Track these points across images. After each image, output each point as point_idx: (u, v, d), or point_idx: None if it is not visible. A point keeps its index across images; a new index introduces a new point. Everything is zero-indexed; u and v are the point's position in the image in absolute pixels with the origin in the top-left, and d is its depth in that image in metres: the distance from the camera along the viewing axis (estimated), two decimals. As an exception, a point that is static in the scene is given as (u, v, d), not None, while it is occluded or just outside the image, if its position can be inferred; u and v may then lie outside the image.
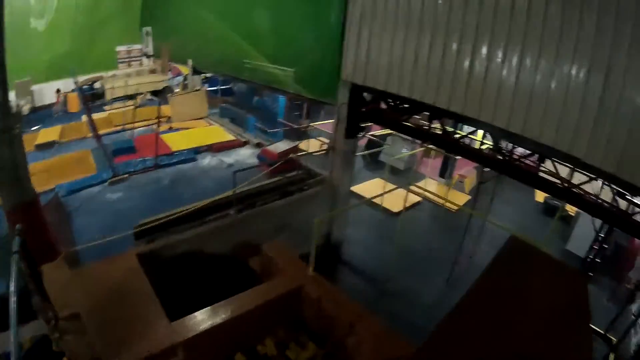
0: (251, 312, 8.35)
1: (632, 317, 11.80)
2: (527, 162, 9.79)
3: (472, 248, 12.53)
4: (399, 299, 11.47)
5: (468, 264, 12.20)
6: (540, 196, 17.75)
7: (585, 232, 14.06)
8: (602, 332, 11.59)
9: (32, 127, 22.86)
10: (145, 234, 10.20)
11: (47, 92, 27.83)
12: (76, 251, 10.34)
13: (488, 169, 12.04)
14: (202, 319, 8.04)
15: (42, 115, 25.85)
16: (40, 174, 15.60)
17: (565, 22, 7.81)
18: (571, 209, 15.62)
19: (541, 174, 9.57)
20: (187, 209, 10.64)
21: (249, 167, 13.39)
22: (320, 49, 12.59)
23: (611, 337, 11.49)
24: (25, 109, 26.30)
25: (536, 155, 9.38)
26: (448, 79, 9.26)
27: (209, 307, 8.19)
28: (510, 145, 9.92)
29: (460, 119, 9.66)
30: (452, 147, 10.61)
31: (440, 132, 10.57)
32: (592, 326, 11.98)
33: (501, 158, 9.68)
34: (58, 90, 26.40)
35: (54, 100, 27.47)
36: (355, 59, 10.98)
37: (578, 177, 9.36)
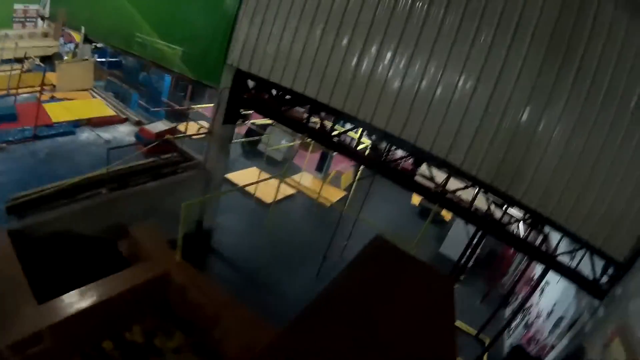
0: (117, 297, 8.29)
1: (505, 319, 12.33)
2: (404, 164, 9.96)
3: (343, 244, 12.63)
4: (268, 290, 11.63)
5: (339, 259, 12.30)
6: (416, 199, 18.29)
7: (458, 236, 14.58)
8: (474, 332, 12.04)
9: None
10: (17, 210, 9.87)
11: None
12: None
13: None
14: (69, 302, 7.92)
15: None
16: None
17: (460, 32, 8.07)
18: (447, 214, 16.21)
19: (417, 178, 9.72)
20: (60, 185, 10.40)
21: (124, 145, 12.97)
22: (210, 30, 12.72)
23: (483, 339, 11.95)
24: None
25: (412, 158, 9.53)
26: (333, 74, 9.72)
27: (75, 290, 8.08)
28: (389, 146, 10.03)
29: (340, 116, 9.67)
30: (330, 143, 10.63)
31: (318, 127, 10.53)
32: (467, 327, 12.53)
33: (377, 158, 9.76)
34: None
35: None
36: (243, 45, 11.27)
37: (455, 184, 9.60)
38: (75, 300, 7.89)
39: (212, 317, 8.46)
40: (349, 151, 10.52)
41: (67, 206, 10.03)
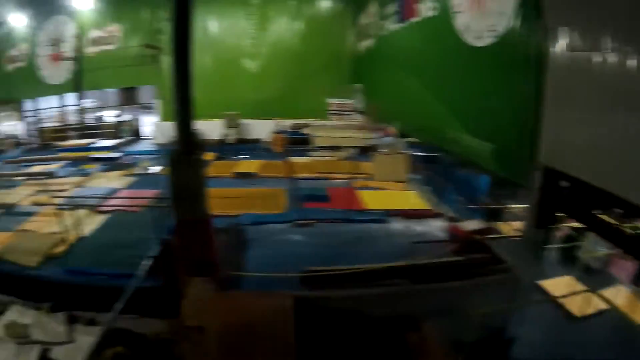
0: None
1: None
2: None
3: None
4: None
5: None
6: None
7: None
8: None
9: (236, 156, 25.30)
10: (310, 281, 10.41)
11: (254, 128, 30.97)
12: (237, 276, 10.81)
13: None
14: None
15: (247, 147, 28.53)
16: (231, 199, 16.77)
17: None
18: None
19: None
20: (359, 268, 10.68)
21: (431, 240, 13.04)
22: (516, 126, 12.09)
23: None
24: (231, 139, 29.46)
25: None
26: None
27: None
28: None
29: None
30: None
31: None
32: None
33: None
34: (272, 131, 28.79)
35: (259, 136, 30.44)
36: (551, 141, 10.31)
37: None
38: None
39: None
40: None
41: (362, 289, 10.18)
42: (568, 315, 13.35)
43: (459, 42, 15.40)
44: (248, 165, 23.14)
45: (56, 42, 34.55)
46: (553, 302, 13.15)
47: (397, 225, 15.51)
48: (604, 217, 9.94)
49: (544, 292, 13.81)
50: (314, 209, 16.16)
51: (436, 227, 15.34)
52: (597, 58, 8.93)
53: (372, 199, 17.44)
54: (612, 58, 8.57)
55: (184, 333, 7.97)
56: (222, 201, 15.90)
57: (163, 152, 28.03)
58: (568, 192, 10.54)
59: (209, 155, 23.47)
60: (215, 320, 8.19)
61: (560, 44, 10.06)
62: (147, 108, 39.50)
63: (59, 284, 12.00)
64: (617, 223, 9.57)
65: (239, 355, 7.91)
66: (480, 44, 14.20)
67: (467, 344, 8.83)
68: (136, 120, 37.22)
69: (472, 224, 13.68)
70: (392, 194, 18.41)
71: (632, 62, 8.08)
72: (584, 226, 17.58)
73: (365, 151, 24.17)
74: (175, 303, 8.83)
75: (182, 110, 8.47)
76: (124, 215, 16.53)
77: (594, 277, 15.54)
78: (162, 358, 8.70)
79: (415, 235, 14.25)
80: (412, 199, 18.01)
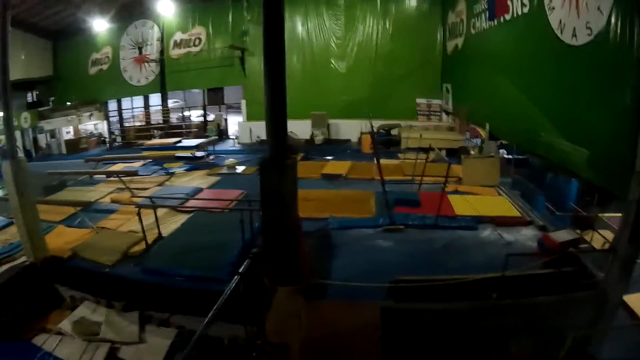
0: None
1: None
2: None
3: None
4: None
5: None
6: None
7: None
8: None
9: (323, 157, 25.21)
10: (399, 292, 10.25)
11: (342, 129, 31.06)
12: (323, 284, 10.80)
13: None
14: None
15: (336, 148, 28.88)
16: (318, 201, 16.83)
17: None
18: None
19: None
20: (450, 279, 10.44)
21: (524, 251, 12.53)
22: (615, 132, 11.48)
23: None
24: (319, 139, 29.61)
25: None
26: None
27: None
28: None
29: None
30: None
31: None
32: None
33: None
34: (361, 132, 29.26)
35: (348, 137, 31.48)
36: None
37: None
38: None
39: None
40: None
41: (451, 301, 9.94)
42: None
43: (554, 40, 14.73)
44: (336, 166, 23.24)
45: (141, 45, 36.82)
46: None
47: (487, 232, 15.28)
48: None
49: (630, 309, 12.92)
50: (403, 214, 16.16)
51: (527, 237, 15.02)
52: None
53: (462, 205, 17.28)
54: None
55: (267, 349, 7.93)
56: (308, 203, 16.12)
57: (248, 152, 28.64)
58: None
59: (297, 156, 23.68)
60: (300, 333, 8.14)
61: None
62: (232, 108, 40.51)
63: (134, 283, 12.40)
64: None
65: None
66: (576, 42, 13.38)
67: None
68: (221, 119, 38.23)
69: (563, 235, 13.27)
70: (483, 199, 18.13)
71: None
72: None
73: (455, 153, 23.62)
74: (258, 312, 8.84)
75: (275, 113, 8.28)
76: (206, 216, 16.69)
77: None
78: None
79: (506, 245, 14.00)
80: (502, 204, 17.72)
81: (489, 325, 9.91)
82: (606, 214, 17.36)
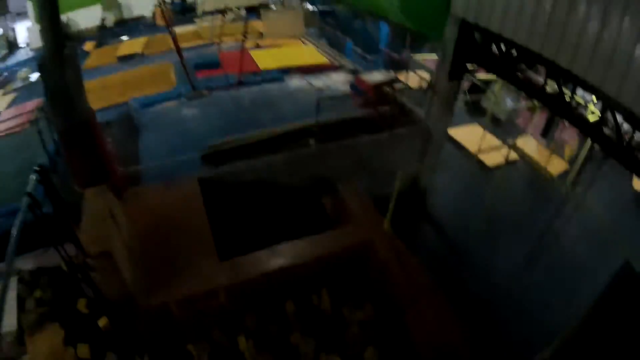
0: (311, 262, 7.59)
1: None
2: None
3: (562, 227, 11.21)
4: (473, 268, 10.45)
5: (552, 243, 11.02)
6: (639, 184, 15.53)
7: None
8: None
9: (118, 38, 23.12)
10: (213, 158, 9.59)
11: (136, 4, 28.37)
12: (137, 171, 9.94)
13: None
14: (255, 262, 7.32)
15: (131, 27, 26.21)
16: (117, 86, 15.32)
17: None
18: None
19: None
20: (261, 134, 9.92)
21: (336, 95, 12.42)
22: None
23: None
24: (110, 22, 26.86)
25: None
26: (572, 35, 7.62)
27: (264, 251, 7.47)
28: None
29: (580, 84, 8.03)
30: (560, 111, 9.05)
31: (553, 93, 9.01)
32: None
33: (618, 139, 8.05)
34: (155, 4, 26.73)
35: (141, 13, 27.97)
36: None
37: None
38: (264, 261, 7.25)
39: (407, 299, 7.44)
40: (589, 127, 8.83)
41: (270, 156, 9.30)
42: (480, 163, 13.67)
43: None
44: (131, 45, 21.19)
45: None
46: (466, 155, 13.40)
47: (296, 82, 14.77)
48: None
49: (454, 141, 13.96)
50: (205, 79, 15.13)
51: (338, 81, 14.70)
52: None
53: (267, 59, 16.51)
54: None
55: (90, 264, 6.89)
56: (107, 91, 14.49)
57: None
58: (483, 44, 10.14)
59: (88, 45, 21.38)
60: (119, 233, 7.27)
61: None
62: (22, 14, 34.78)
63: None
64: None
65: (156, 260, 7.16)
66: None
67: (390, 205, 8.35)
68: (8, 30, 32.73)
69: (377, 76, 13.09)
70: (287, 51, 17.56)
71: None
72: (492, 79, 17.94)
73: (256, 10, 22.90)
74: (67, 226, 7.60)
75: (44, 3, 7.04)
76: (5, 140, 13.74)
77: (502, 128, 16.02)
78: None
79: (317, 92, 13.46)
80: (309, 54, 17.23)
81: (313, 172, 9.47)
82: (418, 56, 18.25)
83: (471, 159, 13.45)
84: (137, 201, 8.33)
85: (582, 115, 8.60)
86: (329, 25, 19.53)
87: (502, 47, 9.27)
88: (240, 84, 14.47)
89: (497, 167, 11.66)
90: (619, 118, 7.36)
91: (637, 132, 7.14)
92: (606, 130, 7.85)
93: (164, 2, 18.24)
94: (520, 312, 8.76)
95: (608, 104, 7.28)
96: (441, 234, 11.12)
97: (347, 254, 7.98)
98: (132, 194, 8.51)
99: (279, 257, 7.43)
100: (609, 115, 7.44)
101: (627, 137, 7.42)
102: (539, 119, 16.58)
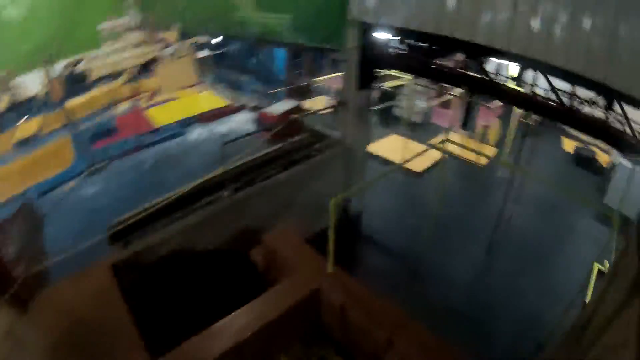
0: (257, 332, 6.44)
1: None
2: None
3: (510, 208, 10.53)
4: (433, 279, 9.68)
5: (507, 227, 10.37)
6: (569, 145, 15.74)
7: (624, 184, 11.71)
8: None
9: (11, 123, 22.01)
10: (122, 236, 8.35)
11: (32, 83, 26.95)
12: (44, 270, 8.61)
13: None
14: (192, 351, 6.15)
15: (29, 108, 25.10)
16: (13, 176, 14.10)
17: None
18: (605, 158, 13.84)
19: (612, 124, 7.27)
20: (170, 197, 8.57)
21: (242, 135, 11.42)
22: None
23: None
24: (1, 106, 25.47)
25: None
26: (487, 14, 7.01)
27: (200, 335, 6.34)
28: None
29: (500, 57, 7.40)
30: (496, 92, 8.37)
31: (478, 75, 8.33)
32: None
33: (557, 104, 7.45)
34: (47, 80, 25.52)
35: (34, 91, 26.84)
36: None
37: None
38: (204, 348, 6.18)
39: (381, 343, 6.40)
40: (523, 99, 8.17)
41: (183, 219, 8.31)
42: (407, 171, 13.08)
43: None
44: (26, 128, 19.93)
45: None
46: (384, 162, 12.81)
47: (198, 132, 14.27)
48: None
49: (377, 156, 13.30)
50: (102, 148, 14.15)
51: (242, 121, 14.29)
52: None
53: (164, 114, 15.86)
54: None
55: None
56: (2, 183, 13.32)
57: None
58: (387, 44, 9.41)
59: None
60: (31, 348, 6.02)
61: None
62: None
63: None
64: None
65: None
66: None
67: (329, 242, 7.24)
68: None
69: (280, 106, 12.48)
70: (185, 101, 17.04)
71: None
72: (399, 84, 17.70)
73: (149, 66, 22.24)
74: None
75: None
76: None
77: (419, 131, 15.59)
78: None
79: (221, 137, 12.89)
80: (207, 100, 16.76)
81: (233, 227, 8.61)
82: (320, 78, 17.70)
83: (399, 170, 12.80)
84: (48, 305, 7.12)
85: (514, 89, 8.03)
86: (225, 66, 18.92)
87: (411, 41, 8.83)
88: (138, 148, 13.71)
89: (427, 170, 11.04)
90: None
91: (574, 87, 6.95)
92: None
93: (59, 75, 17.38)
94: (492, 307, 8.58)
95: (539, 70, 7.15)
96: (390, 254, 10.55)
97: (296, 310, 6.89)
98: (41, 299, 7.24)
99: (220, 338, 6.37)
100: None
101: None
102: (455, 112, 16.39)
